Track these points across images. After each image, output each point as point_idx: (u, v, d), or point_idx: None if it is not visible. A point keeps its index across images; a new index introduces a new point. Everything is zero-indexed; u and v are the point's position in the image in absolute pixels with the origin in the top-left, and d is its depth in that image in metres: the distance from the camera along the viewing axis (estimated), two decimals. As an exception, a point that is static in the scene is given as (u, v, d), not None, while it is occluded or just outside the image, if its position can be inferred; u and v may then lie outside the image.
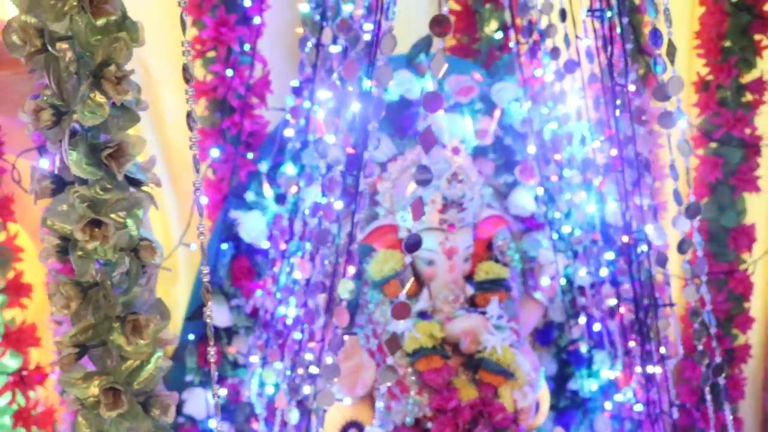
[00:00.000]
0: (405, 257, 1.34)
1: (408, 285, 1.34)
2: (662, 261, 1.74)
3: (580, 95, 2.05)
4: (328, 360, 1.51)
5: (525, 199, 2.31)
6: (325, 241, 1.62)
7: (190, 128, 0.94)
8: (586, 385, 2.40)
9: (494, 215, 2.24)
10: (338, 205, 1.60)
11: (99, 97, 0.89)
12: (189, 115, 0.94)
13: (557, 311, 2.38)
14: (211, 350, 1.04)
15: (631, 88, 1.63)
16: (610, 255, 2.07)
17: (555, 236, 2.26)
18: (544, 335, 2.43)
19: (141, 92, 0.95)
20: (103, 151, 0.92)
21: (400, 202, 2.17)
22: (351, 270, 1.51)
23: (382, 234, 2.14)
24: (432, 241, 2.08)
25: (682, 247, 1.54)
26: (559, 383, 2.45)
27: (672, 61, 1.36)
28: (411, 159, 2.18)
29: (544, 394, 2.18)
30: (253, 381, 2.09)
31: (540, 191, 2.27)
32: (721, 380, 1.57)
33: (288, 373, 1.83)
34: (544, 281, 2.28)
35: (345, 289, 1.49)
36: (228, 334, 2.26)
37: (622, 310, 2.04)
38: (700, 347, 1.57)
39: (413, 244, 1.34)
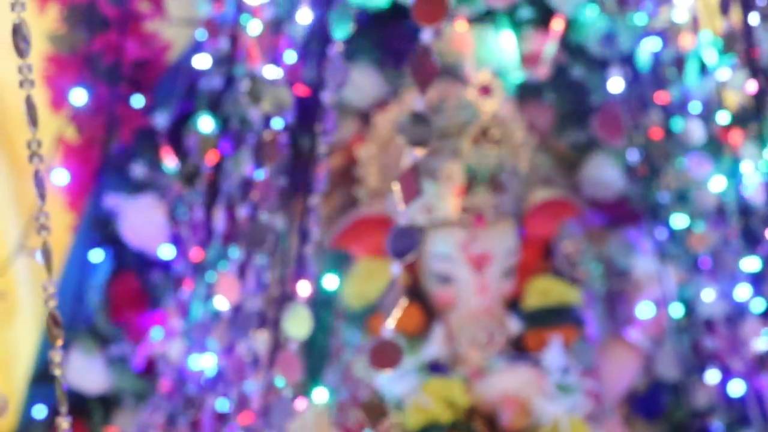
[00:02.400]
0: (393, 266, 1.39)
1: (397, 312, 1.39)
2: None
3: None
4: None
5: (609, 172, 2.33)
6: (262, 243, 1.68)
7: (20, 54, 0.99)
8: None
9: (556, 200, 2.26)
10: (281, 182, 1.66)
11: None
12: (17, 30, 0.98)
13: (668, 362, 2.38)
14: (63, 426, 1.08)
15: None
16: (753, 263, 2.10)
17: (662, 234, 2.28)
18: (649, 403, 2.44)
19: None
20: None
21: (396, 178, 2.22)
22: (304, 289, 1.56)
23: (364, 231, 2.17)
24: (448, 243, 2.12)
25: None
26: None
27: None
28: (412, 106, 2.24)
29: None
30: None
31: (634, 157, 2.28)
32: None
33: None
34: (645, 311, 2.30)
35: (297, 321, 1.55)
36: (105, 405, 2.28)
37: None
38: None
39: (407, 245, 1.39)
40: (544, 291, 2.20)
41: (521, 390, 2.10)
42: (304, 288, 1.58)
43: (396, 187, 1.39)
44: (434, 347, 2.14)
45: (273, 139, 1.66)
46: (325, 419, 2.06)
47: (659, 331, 2.33)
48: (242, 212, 1.77)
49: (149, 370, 2.26)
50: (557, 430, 2.08)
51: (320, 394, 1.84)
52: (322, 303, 2.29)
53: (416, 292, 2.18)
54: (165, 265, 2.25)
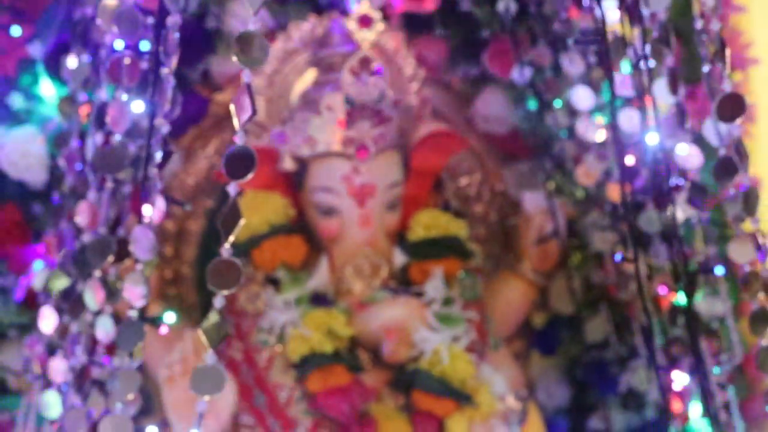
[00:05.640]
0: (229, 187, 1.41)
1: (234, 232, 1.41)
2: (699, 198, 1.85)
3: None
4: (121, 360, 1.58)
5: (499, 104, 2.37)
6: (120, 167, 1.70)
7: None
8: (619, 420, 2.50)
9: (444, 131, 2.28)
10: (137, 106, 1.65)
11: None
12: None
13: (561, 296, 2.46)
14: None
15: None
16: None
17: (554, 168, 2.34)
18: (545, 338, 2.50)
19: None
20: None
21: (282, 111, 2.23)
22: (148, 212, 1.58)
23: (248, 165, 2.24)
24: (331, 175, 2.13)
25: (721, 173, 1.58)
26: (576, 420, 2.54)
27: None
28: (301, 37, 2.22)
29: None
30: (32, 415, 2.11)
31: (527, 91, 2.32)
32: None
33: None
34: (536, 244, 2.32)
35: (142, 244, 1.57)
36: (-12, 338, 2.31)
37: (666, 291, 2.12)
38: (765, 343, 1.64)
39: (243, 166, 1.40)
40: (428, 223, 2.21)
41: (403, 321, 2.13)
42: (148, 211, 1.59)
43: (231, 107, 1.40)
44: (318, 279, 2.17)
45: (124, 62, 1.67)
46: (200, 347, 2.08)
47: (551, 265, 2.36)
48: (98, 138, 1.79)
49: (31, 302, 2.27)
50: (438, 359, 2.09)
51: (169, 317, 1.87)
52: (211, 236, 2.32)
53: (301, 225, 2.21)
54: (47, 196, 2.26)
